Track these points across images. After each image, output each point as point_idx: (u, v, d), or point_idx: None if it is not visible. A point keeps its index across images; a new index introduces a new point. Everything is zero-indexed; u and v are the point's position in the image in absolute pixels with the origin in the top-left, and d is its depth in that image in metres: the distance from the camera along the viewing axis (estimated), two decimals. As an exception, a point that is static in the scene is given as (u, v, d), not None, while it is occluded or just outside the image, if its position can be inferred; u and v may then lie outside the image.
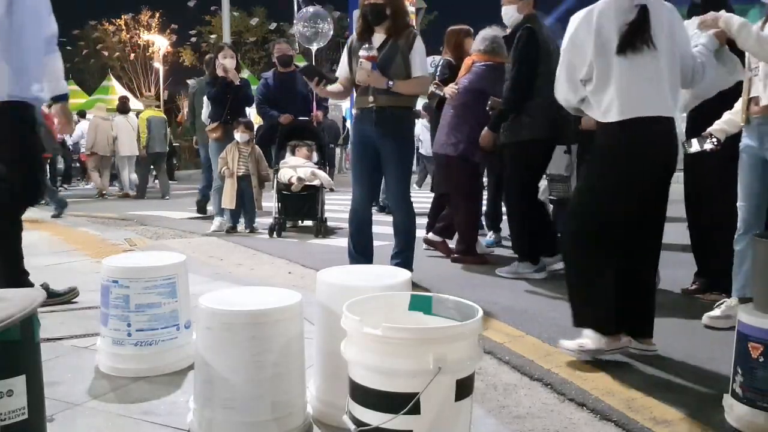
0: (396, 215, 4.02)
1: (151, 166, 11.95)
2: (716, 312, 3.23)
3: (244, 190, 6.39)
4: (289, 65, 6.66)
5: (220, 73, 6.42)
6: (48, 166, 10.66)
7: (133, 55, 36.08)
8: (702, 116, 3.34)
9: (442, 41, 5.49)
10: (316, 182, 6.33)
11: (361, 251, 3.98)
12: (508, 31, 4.33)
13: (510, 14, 4.24)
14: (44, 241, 5.56)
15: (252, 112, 7.29)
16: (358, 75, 3.75)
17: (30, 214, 7.65)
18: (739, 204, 3.16)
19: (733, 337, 2.14)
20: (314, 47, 8.05)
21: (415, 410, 1.46)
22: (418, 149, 9.95)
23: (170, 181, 12.99)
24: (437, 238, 5.16)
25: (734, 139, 3.65)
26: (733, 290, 3.23)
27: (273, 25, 21.33)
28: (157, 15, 37.35)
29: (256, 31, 32.79)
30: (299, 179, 6.24)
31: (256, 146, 6.55)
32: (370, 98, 3.80)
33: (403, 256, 3.93)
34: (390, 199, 4.22)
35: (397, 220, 4.00)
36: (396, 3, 3.84)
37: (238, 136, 6.35)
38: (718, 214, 3.66)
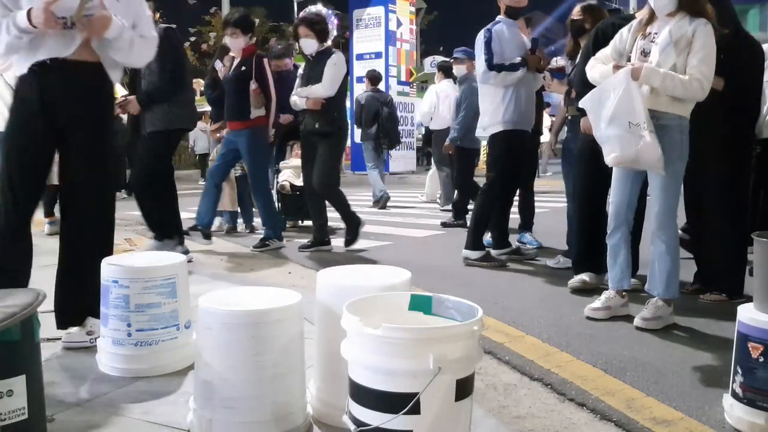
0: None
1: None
2: (596, 303, 3.34)
3: (243, 190, 6.38)
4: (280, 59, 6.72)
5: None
6: None
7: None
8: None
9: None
10: None
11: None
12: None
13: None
14: (44, 241, 5.55)
15: None
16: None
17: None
18: (611, 200, 3.37)
19: (732, 337, 2.14)
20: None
21: (415, 410, 1.46)
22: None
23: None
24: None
25: (736, 141, 3.67)
26: (610, 282, 3.40)
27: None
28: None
29: (256, 31, 32.76)
30: (291, 185, 6.25)
31: None
32: None
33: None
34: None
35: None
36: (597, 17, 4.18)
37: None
38: (718, 214, 3.66)
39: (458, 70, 7.47)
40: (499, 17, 4.82)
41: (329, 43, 5.58)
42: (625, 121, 2.99)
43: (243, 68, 5.20)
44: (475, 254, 4.80)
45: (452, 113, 7.55)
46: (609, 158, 3.14)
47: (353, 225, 5.30)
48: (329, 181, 5.21)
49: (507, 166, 4.74)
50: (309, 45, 5.18)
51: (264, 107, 5.24)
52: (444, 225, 7.03)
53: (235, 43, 5.23)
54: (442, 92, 8.37)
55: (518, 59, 4.62)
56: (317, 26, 5.17)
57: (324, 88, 5.09)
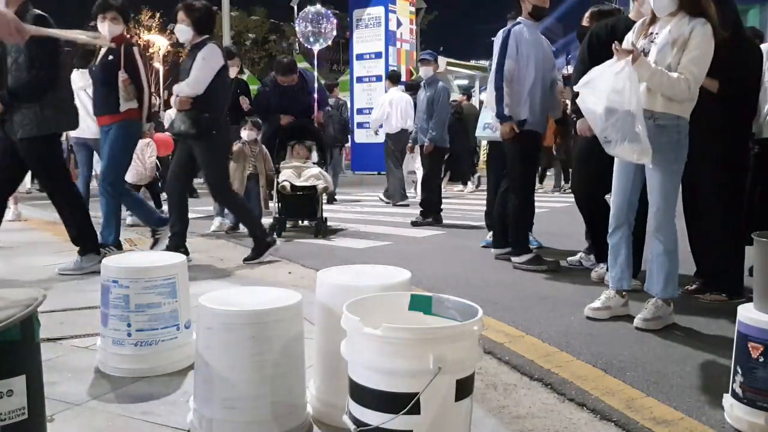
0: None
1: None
2: (597, 303, 3.36)
3: (252, 189, 6.40)
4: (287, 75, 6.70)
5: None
6: None
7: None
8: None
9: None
10: (319, 184, 6.32)
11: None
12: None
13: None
14: (44, 241, 5.56)
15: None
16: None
17: (30, 213, 7.67)
18: (611, 200, 3.38)
19: (732, 337, 2.14)
20: (316, 48, 8.07)
21: (415, 410, 1.46)
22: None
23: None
24: None
25: (734, 141, 3.67)
26: (610, 282, 3.41)
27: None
28: (158, 15, 37.37)
29: (256, 30, 32.77)
30: (291, 185, 6.26)
31: (262, 145, 6.57)
32: None
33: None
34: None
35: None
36: None
37: (245, 134, 6.38)
38: (717, 213, 3.66)
39: (425, 71, 7.71)
40: (520, 18, 4.79)
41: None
42: (620, 110, 2.92)
43: (110, 57, 4.64)
44: (522, 258, 4.65)
45: (408, 114, 8.35)
46: (610, 150, 3.07)
47: (259, 240, 4.77)
48: (217, 186, 4.73)
49: (528, 165, 4.76)
50: (182, 32, 4.62)
51: (136, 99, 4.67)
52: (414, 224, 7.18)
53: (114, 29, 4.64)
54: (394, 101, 9.24)
55: (506, 111, 4.53)
56: (195, 13, 4.57)
57: (188, 86, 4.49)
